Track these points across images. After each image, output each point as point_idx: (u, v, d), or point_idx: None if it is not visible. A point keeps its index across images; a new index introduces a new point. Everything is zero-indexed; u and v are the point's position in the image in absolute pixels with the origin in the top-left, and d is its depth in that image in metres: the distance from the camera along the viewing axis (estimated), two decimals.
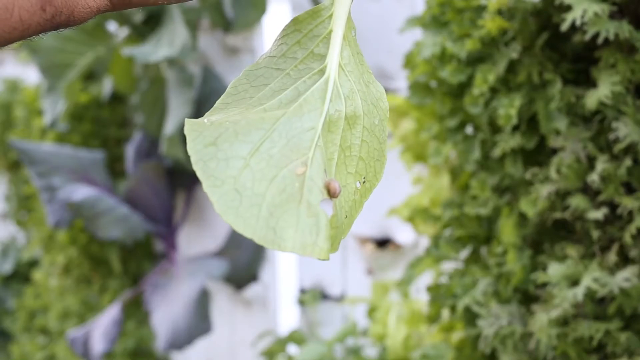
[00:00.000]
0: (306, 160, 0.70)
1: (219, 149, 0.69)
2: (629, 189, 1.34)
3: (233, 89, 0.75)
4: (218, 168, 0.68)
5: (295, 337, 2.28)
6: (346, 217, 0.75)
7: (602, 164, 1.30)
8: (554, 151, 1.42)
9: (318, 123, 0.72)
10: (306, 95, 0.73)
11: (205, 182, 0.68)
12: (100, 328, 2.89)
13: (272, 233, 0.67)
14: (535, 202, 1.39)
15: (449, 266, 1.65)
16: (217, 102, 0.74)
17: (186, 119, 0.71)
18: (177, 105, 2.69)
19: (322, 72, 0.75)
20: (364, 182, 0.76)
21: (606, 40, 1.33)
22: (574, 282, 1.33)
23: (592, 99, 1.30)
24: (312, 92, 0.73)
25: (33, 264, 4.14)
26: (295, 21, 0.76)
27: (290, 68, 0.75)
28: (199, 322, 2.70)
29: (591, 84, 1.38)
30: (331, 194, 0.72)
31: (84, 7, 0.72)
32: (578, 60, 1.42)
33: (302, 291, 2.61)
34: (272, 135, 0.70)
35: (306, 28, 0.76)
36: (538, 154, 1.44)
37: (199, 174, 0.68)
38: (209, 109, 0.76)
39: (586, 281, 1.29)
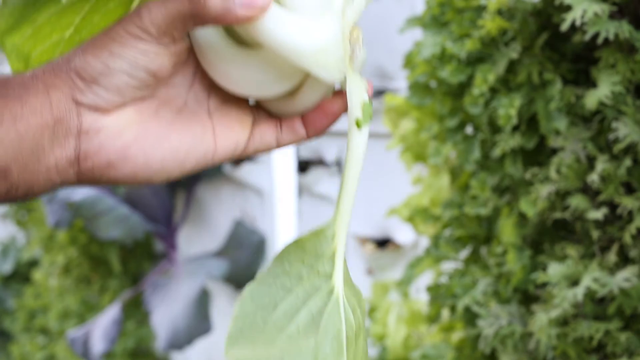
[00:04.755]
0: None
1: None
2: (629, 189, 1.34)
3: (241, 312, 0.75)
4: None
5: None
6: None
7: (602, 164, 1.30)
8: (554, 151, 1.42)
9: (342, 348, 0.75)
10: (323, 320, 0.75)
11: None
12: (100, 328, 2.89)
13: None
14: (535, 202, 1.39)
15: (448, 266, 1.65)
16: (231, 329, 0.75)
17: (231, 352, 0.74)
18: None
19: (331, 292, 0.76)
20: None
21: (606, 40, 1.33)
22: (574, 282, 1.33)
23: (592, 99, 1.30)
24: (328, 315, 0.76)
25: (33, 264, 4.14)
26: (299, 241, 0.78)
27: (296, 286, 0.76)
28: (199, 322, 2.70)
29: (591, 84, 1.38)
30: None
31: (46, 180, 0.69)
32: (578, 60, 1.42)
33: None
34: None
35: (310, 247, 0.78)
36: (538, 154, 1.44)
37: None
38: None
39: (586, 281, 1.29)
